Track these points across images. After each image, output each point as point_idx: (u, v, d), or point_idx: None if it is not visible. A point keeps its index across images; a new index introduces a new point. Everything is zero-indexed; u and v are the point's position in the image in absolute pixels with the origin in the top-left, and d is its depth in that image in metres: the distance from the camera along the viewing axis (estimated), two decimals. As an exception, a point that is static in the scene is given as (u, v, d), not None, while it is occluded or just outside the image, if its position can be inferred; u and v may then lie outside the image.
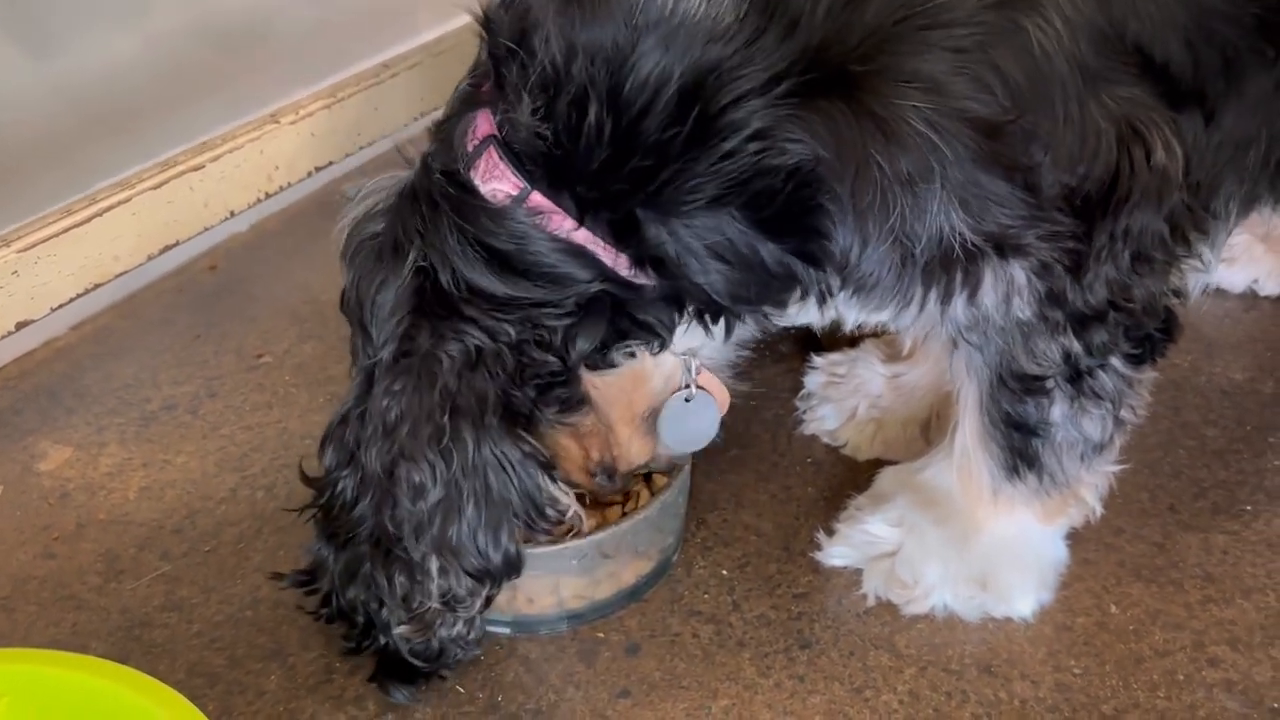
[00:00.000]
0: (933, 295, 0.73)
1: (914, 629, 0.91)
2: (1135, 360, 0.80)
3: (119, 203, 1.23)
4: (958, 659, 0.89)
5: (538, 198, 0.72)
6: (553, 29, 0.68)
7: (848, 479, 1.05)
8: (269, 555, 1.02)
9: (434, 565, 0.77)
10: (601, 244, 0.73)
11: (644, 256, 0.73)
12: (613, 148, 0.68)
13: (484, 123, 0.74)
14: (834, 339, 1.20)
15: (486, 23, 0.74)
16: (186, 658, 0.92)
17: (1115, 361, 0.80)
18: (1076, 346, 0.77)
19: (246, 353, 1.31)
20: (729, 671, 0.89)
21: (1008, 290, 0.73)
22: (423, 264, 0.74)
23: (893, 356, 1.09)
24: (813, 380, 1.12)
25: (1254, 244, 1.29)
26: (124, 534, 1.05)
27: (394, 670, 0.85)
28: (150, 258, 1.30)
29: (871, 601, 0.93)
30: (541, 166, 0.72)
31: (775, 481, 1.07)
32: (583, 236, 0.73)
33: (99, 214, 1.22)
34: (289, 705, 0.88)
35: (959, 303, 0.74)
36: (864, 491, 0.99)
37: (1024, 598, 0.90)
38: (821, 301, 0.76)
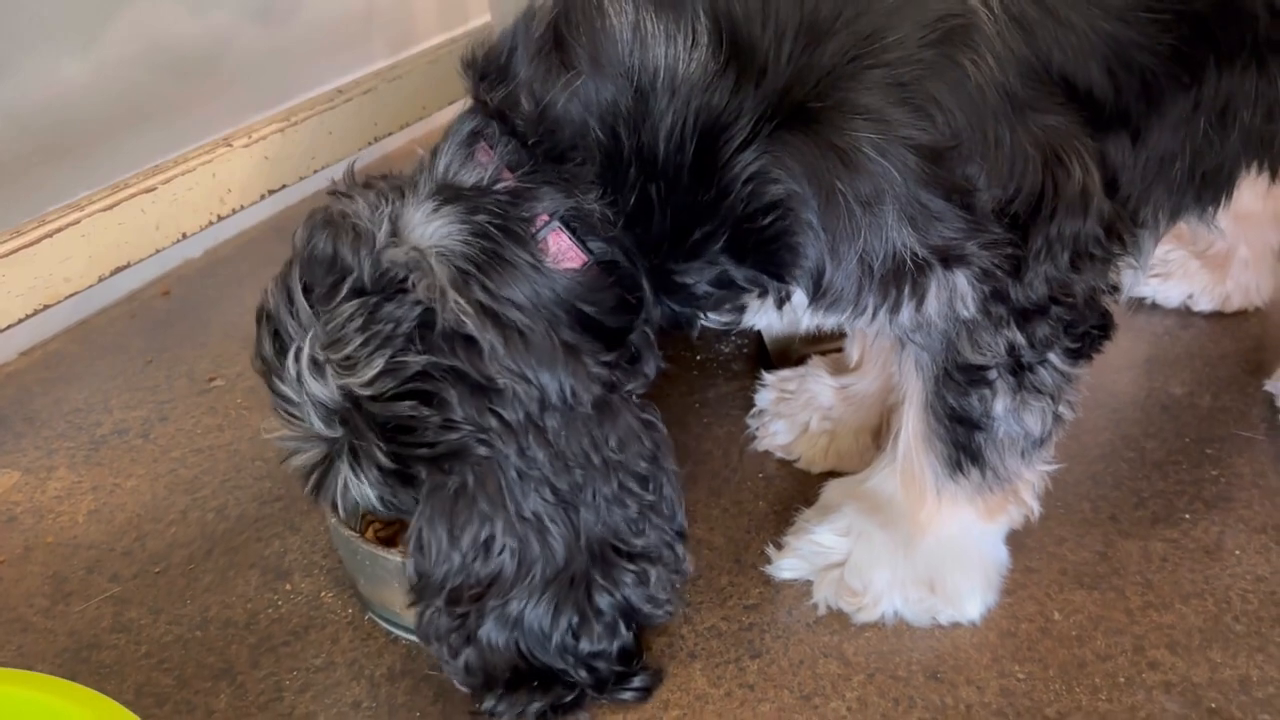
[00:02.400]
0: (884, 306, 0.76)
1: (862, 637, 0.92)
2: (1074, 355, 0.83)
3: (69, 224, 1.23)
4: (905, 666, 0.90)
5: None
6: (561, 97, 0.73)
7: (798, 493, 1.07)
8: (219, 575, 1.02)
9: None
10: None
11: (665, 293, 0.80)
12: (673, 221, 0.75)
13: (545, 204, 0.77)
14: (784, 357, 1.22)
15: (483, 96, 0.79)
16: (134, 678, 0.91)
17: (1054, 358, 0.82)
18: (1020, 339, 0.80)
19: (198, 377, 1.31)
20: (680, 682, 0.89)
21: (950, 296, 0.76)
22: None
23: (841, 369, 1.11)
24: (764, 397, 1.14)
25: (1189, 260, 1.32)
26: (72, 557, 1.04)
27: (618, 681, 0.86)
28: (101, 279, 1.29)
29: (822, 611, 0.94)
30: (606, 242, 0.77)
31: (727, 496, 1.08)
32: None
33: (49, 235, 1.22)
34: (238, 724, 0.87)
35: (906, 311, 0.76)
36: (813, 505, 1.01)
37: (971, 599, 0.92)
38: (780, 305, 0.81)
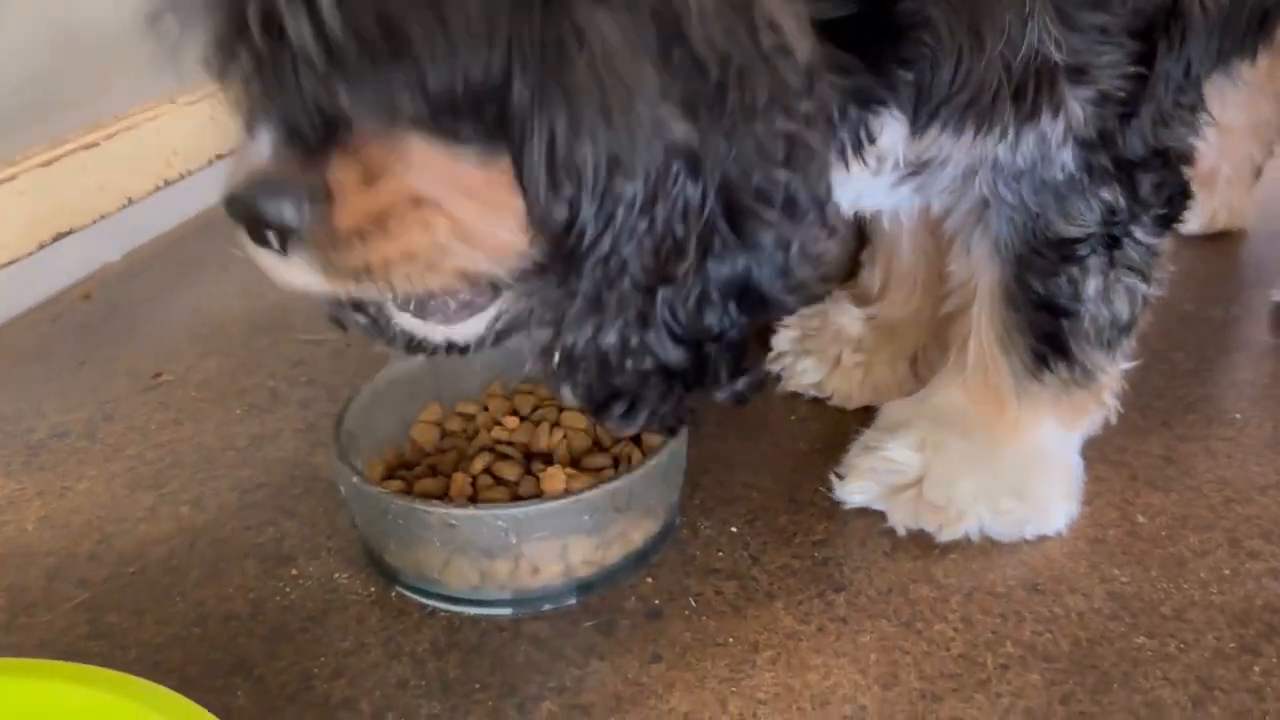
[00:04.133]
0: (1013, 120, 0.68)
1: (948, 559, 0.85)
2: (1162, 223, 0.78)
3: (3, 180, 1.07)
4: (1001, 582, 0.83)
5: None
6: None
7: (837, 431, 0.99)
8: (209, 569, 0.88)
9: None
10: None
11: None
12: None
13: None
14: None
15: None
16: (128, 685, 0.77)
17: (1138, 230, 0.78)
18: (1120, 199, 0.74)
19: (141, 374, 1.16)
20: (764, 623, 0.80)
21: (1066, 125, 0.69)
22: None
23: (864, 299, 1.04)
24: (784, 338, 1.07)
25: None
26: (28, 566, 0.89)
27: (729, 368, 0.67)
28: (42, 245, 1.14)
29: (901, 533, 0.87)
30: None
31: (764, 441, 1.00)
32: None
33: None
34: (266, 720, 0.74)
35: (1028, 135, 0.69)
36: (872, 426, 0.93)
37: (1059, 508, 0.86)
38: (857, 150, 0.69)
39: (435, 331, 0.67)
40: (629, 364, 0.62)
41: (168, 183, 1.28)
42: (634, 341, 0.61)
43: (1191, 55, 0.76)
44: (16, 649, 0.81)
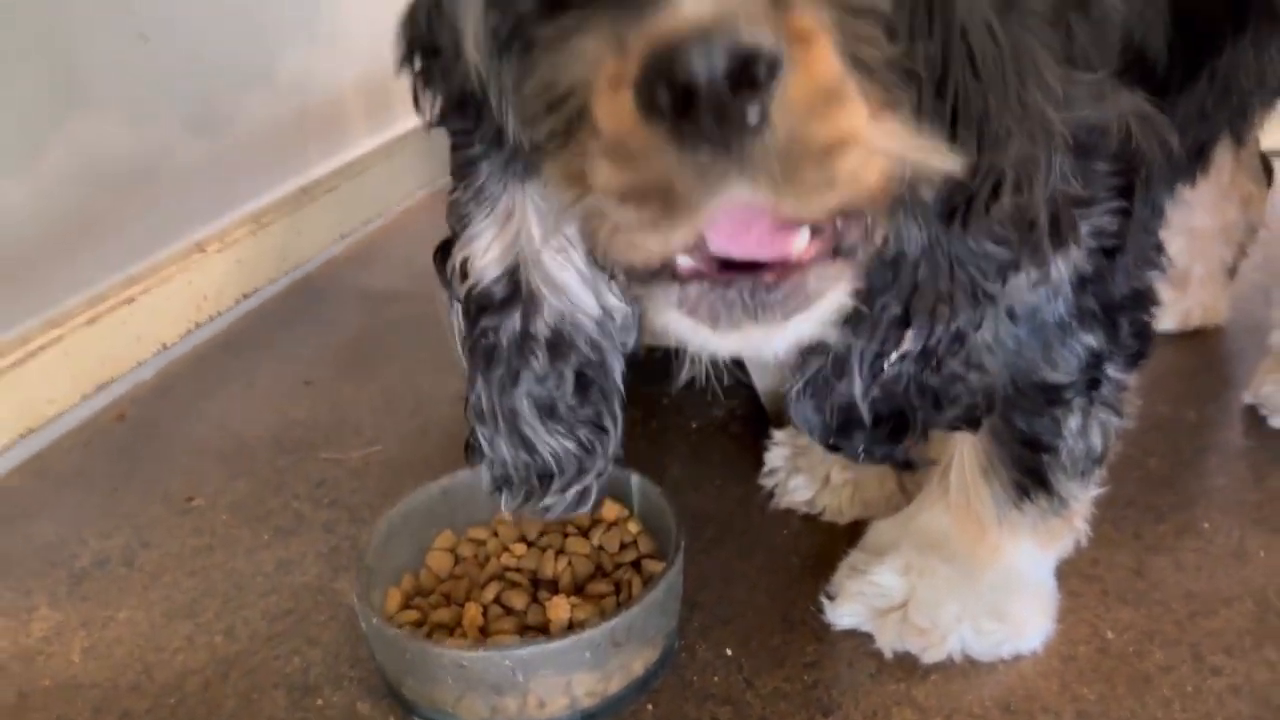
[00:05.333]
0: (1050, 249, 0.69)
1: (929, 681, 0.91)
2: (1134, 360, 0.84)
3: (51, 341, 1.16)
4: (978, 703, 0.88)
5: None
6: None
7: (830, 545, 1.05)
8: (242, 700, 0.95)
9: None
10: None
11: None
12: None
13: None
14: (783, 415, 1.22)
15: None
16: (170, 820, 0.84)
17: (1113, 370, 0.84)
18: (1103, 342, 0.80)
19: (174, 498, 1.24)
20: (757, 748, 0.86)
21: (1070, 262, 0.74)
22: None
23: (852, 420, 1.11)
24: (776, 455, 1.13)
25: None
26: (74, 698, 0.96)
27: None
28: (85, 397, 1.22)
29: (888, 656, 0.93)
30: None
31: (759, 557, 1.06)
32: None
33: (32, 354, 1.16)
34: None
35: (1058, 263, 0.72)
36: (857, 547, 1.00)
37: (1035, 627, 0.92)
38: None
39: (754, 339, 0.56)
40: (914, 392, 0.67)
41: (198, 325, 1.36)
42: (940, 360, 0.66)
43: (1156, 192, 0.82)
44: (67, 785, 0.88)
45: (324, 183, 1.59)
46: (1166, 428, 1.20)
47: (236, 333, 1.54)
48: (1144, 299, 0.84)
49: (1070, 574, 0.99)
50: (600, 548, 1.02)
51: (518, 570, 1.00)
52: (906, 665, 0.92)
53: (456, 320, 0.76)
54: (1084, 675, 0.90)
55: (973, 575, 0.93)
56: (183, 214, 1.40)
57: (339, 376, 1.48)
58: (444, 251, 0.76)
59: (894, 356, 0.68)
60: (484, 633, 0.93)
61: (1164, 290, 1.33)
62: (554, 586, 0.98)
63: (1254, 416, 1.21)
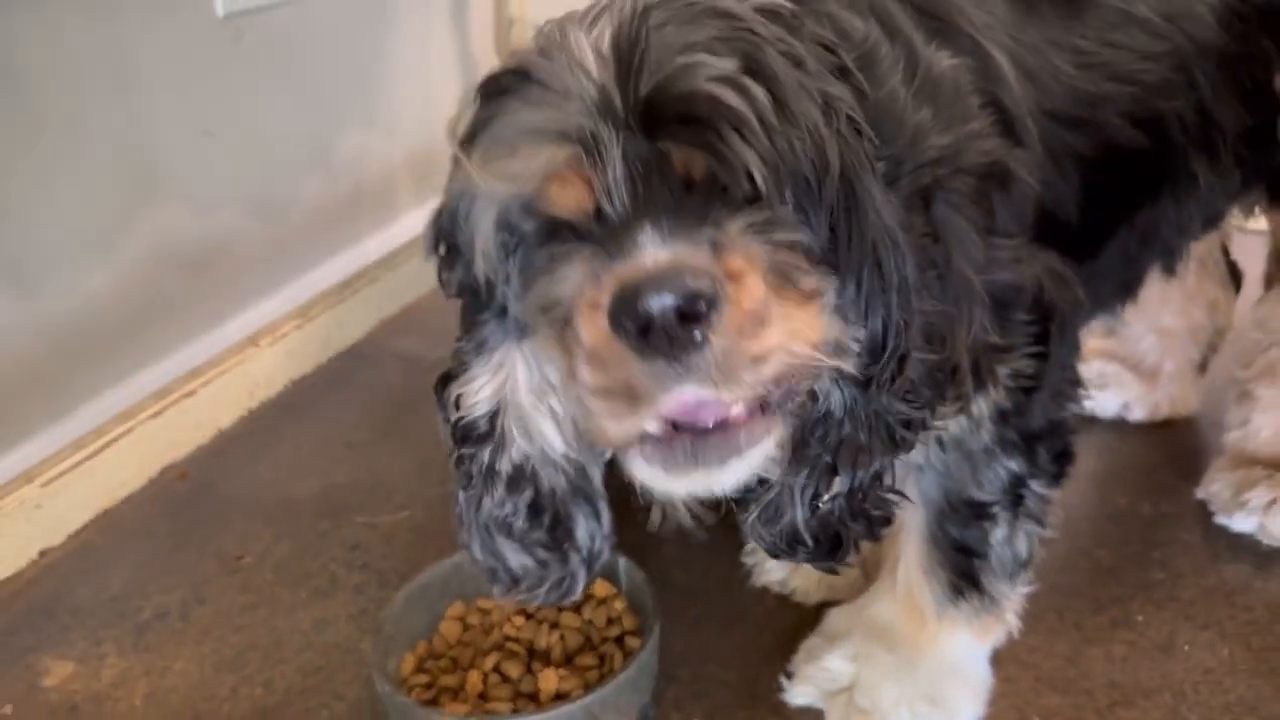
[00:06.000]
0: (971, 390, 0.84)
1: (870, 757, 1.03)
2: (1055, 480, 0.97)
3: (123, 433, 1.34)
4: (911, 779, 1.01)
5: None
6: None
7: (800, 623, 1.18)
8: (277, 748, 1.10)
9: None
10: None
11: None
12: None
13: None
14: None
15: None
16: None
17: (1036, 486, 0.96)
18: (1023, 466, 0.93)
19: (226, 556, 1.40)
20: (712, 813, 0.99)
21: (990, 400, 0.87)
22: None
23: (823, 510, 1.23)
24: (755, 538, 1.26)
25: (1124, 372, 1.48)
26: (135, 742, 1.12)
27: None
28: (150, 480, 1.40)
29: (833, 735, 1.05)
30: None
31: (736, 633, 1.19)
32: None
33: (108, 445, 1.34)
34: None
35: (977, 404, 0.86)
36: (815, 632, 1.12)
37: (967, 712, 1.03)
38: None
39: (700, 481, 0.73)
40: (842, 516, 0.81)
41: (250, 412, 1.53)
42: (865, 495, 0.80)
43: (1071, 334, 0.94)
44: (126, 819, 1.04)
45: (367, 273, 1.76)
46: (1121, 520, 1.31)
47: (287, 396, 1.71)
48: (1060, 429, 0.96)
49: (1008, 660, 1.11)
50: (590, 622, 1.15)
51: (516, 640, 1.14)
52: (852, 742, 1.05)
53: (445, 439, 0.91)
54: (1008, 757, 1.02)
55: (913, 663, 1.05)
56: (238, 296, 1.58)
57: (378, 439, 1.62)
58: (444, 383, 0.90)
59: (826, 497, 0.81)
60: (484, 698, 1.08)
61: (1135, 383, 1.45)
62: (546, 657, 1.12)
63: (1204, 511, 1.30)
